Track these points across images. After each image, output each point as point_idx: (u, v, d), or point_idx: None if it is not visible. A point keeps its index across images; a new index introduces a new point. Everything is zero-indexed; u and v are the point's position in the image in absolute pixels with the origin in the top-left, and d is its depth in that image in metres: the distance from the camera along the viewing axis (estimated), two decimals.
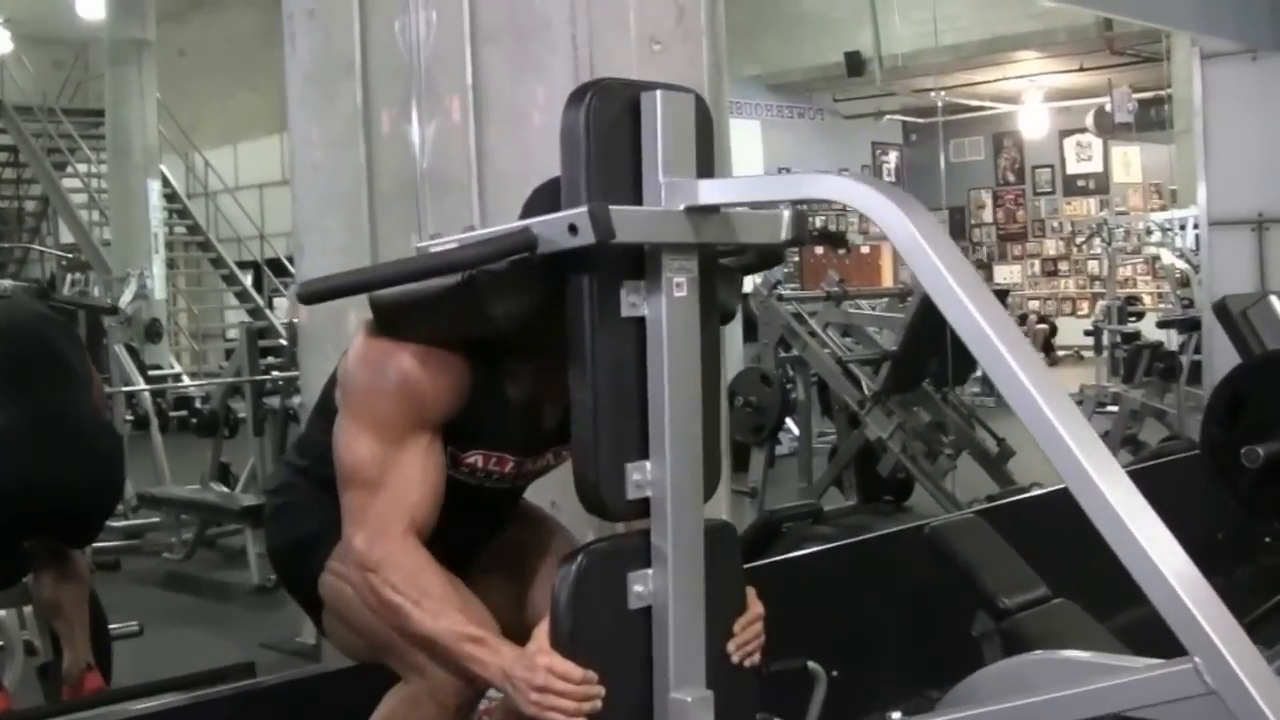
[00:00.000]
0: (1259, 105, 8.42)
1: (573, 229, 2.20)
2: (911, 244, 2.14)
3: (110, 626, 5.31)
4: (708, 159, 2.41)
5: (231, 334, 20.35)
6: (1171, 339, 12.09)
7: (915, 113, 22.67)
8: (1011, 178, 24.40)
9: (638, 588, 2.41)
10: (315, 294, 2.52)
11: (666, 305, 2.33)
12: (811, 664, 3.13)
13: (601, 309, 2.31)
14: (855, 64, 16.96)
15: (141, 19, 17.28)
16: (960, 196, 24.10)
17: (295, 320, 7.63)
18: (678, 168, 2.33)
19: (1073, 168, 23.77)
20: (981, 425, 9.85)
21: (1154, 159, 21.28)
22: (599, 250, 2.22)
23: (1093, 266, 22.96)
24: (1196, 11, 7.67)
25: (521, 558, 2.93)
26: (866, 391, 8.88)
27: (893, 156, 23.60)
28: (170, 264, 18.54)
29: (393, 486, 2.50)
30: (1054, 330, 21.78)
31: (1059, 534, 5.37)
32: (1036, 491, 7.41)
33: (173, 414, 11.27)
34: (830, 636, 4.44)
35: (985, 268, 24.32)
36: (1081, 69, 18.61)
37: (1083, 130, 21.03)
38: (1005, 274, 23.96)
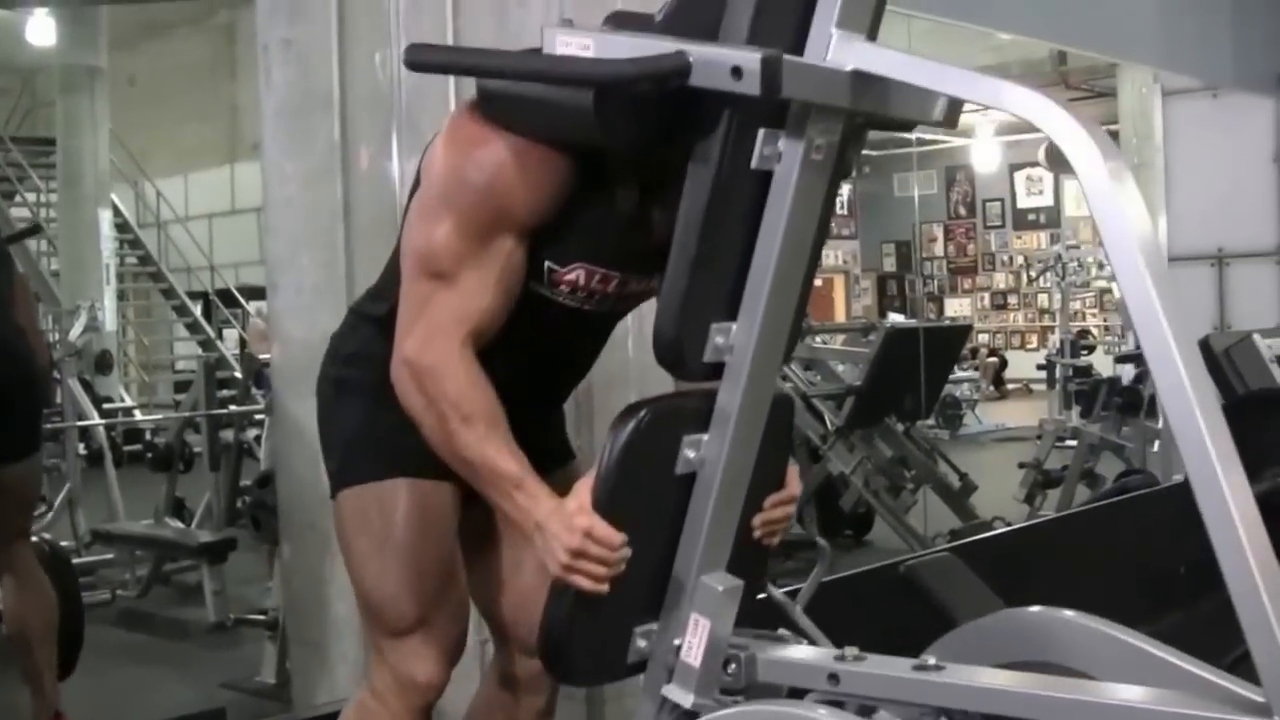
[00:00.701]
0: (1219, 142, 8.50)
1: (737, 72, 2.01)
2: (1099, 184, 1.91)
3: None
4: (878, 21, 2.22)
5: (181, 365, 20.21)
6: (1127, 373, 12.12)
7: (869, 145, 22.73)
8: (963, 211, 24.53)
9: (689, 452, 2.28)
10: (426, 63, 2.36)
11: (801, 166, 2.14)
12: (820, 540, 3.04)
13: (733, 155, 2.13)
14: None
15: (94, 46, 17.10)
16: (909, 230, 24.21)
17: (260, 354, 7.55)
18: (854, 22, 2.13)
19: (1023, 201, 23.91)
20: (943, 459, 9.86)
21: None
22: (750, 95, 2.03)
23: (1042, 300, 23.08)
24: (1159, 48, 7.70)
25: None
26: (829, 426, 8.85)
27: (845, 188, 23.66)
28: (120, 295, 18.32)
29: (464, 285, 2.31)
30: (1004, 364, 21.85)
31: (1027, 569, 5.40)
32: (1004, 528, 7.42)
33: (125, 448, 11.11)
34: None
35: (936, 301, 24.44)
36: None
37: (1034, 164, 21.16)
38: (955, 307, 24.07)
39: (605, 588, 2.22)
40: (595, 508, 2.21)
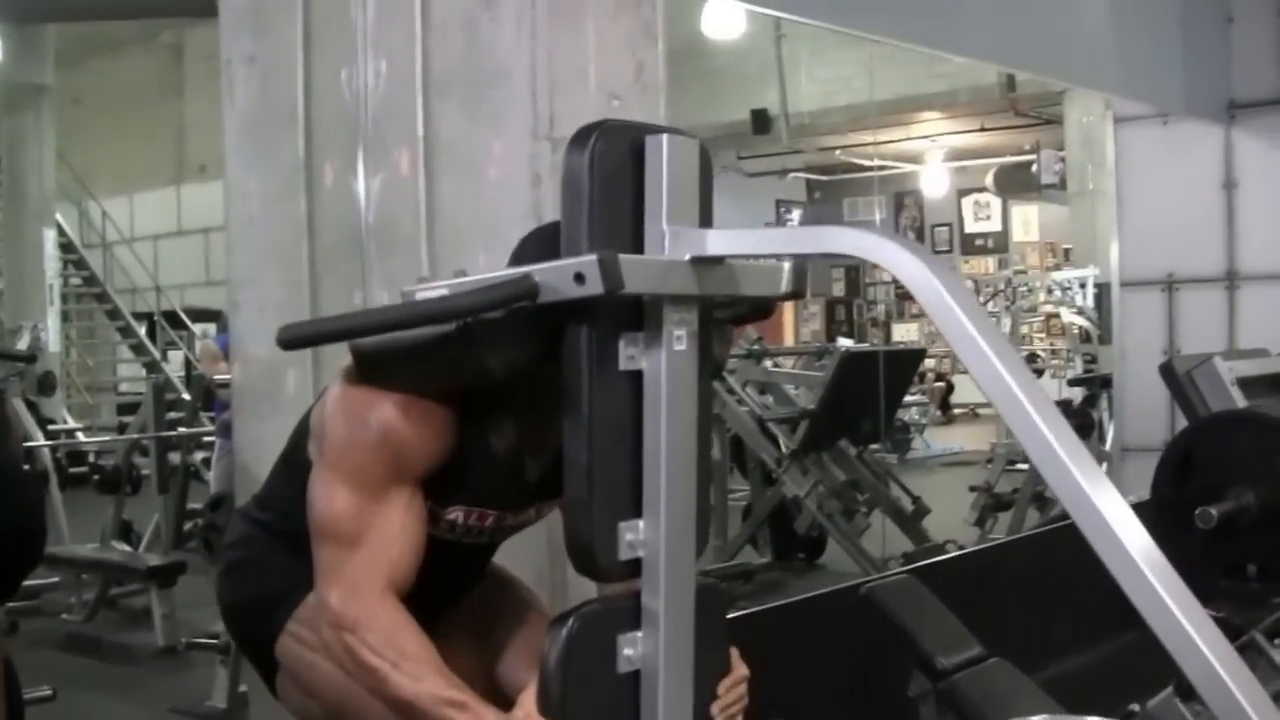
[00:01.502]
0: (1170, 169, 8.55)
1: (579, 278, 2.10)
2: (935, 298, 2.06)
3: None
4: (708, 207, 2.32)
5: (124, 387, 20.04)
6: (1077, 396, 12.20)
7: (819, 170, 22.86)
8: (912, 236, 24.63)
9: (627, 650, 2.32)
10: (296, 339, 2.42)
11: (666, 359, 2.24)
12: None
13: (600, 362, 2.21)
14: (762, 122, 17.02)
15: (40, 63, 16.93)
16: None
17: (211, 375, 7.48)
18: (682, 215, 2.25)
19: (971, 226, 24.05)
20: (896, 483, 9.89)
21: (1051, 218, 21.58)
22: (602, 301, 2.13)
23: None
24: (1110, 74, 7.75)
25: (488, 622, 2.83)
26: (784, 449, 8.87)
27: (796, 214, 23.76)
28: (64, 316, 18.13)
29: (371, 542, 2.37)
30: (951, 388, 21.92)
31: (984, 592, 5.40)
32: (959, 551, 7.44)
33: (70, 470, 11.01)
34: (764, 697, 4.38)
35: (882, 326, 24.54)
36: (983, 129, 18.85)
37: (981, 189, 21.30)
38: (903, 332, 24.16)
39: None
40: (542, 712, 2.27)
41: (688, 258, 2.22)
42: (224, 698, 6.16)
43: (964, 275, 23.78)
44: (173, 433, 8.76)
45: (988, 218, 23.74)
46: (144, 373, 19.03)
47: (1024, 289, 16.33)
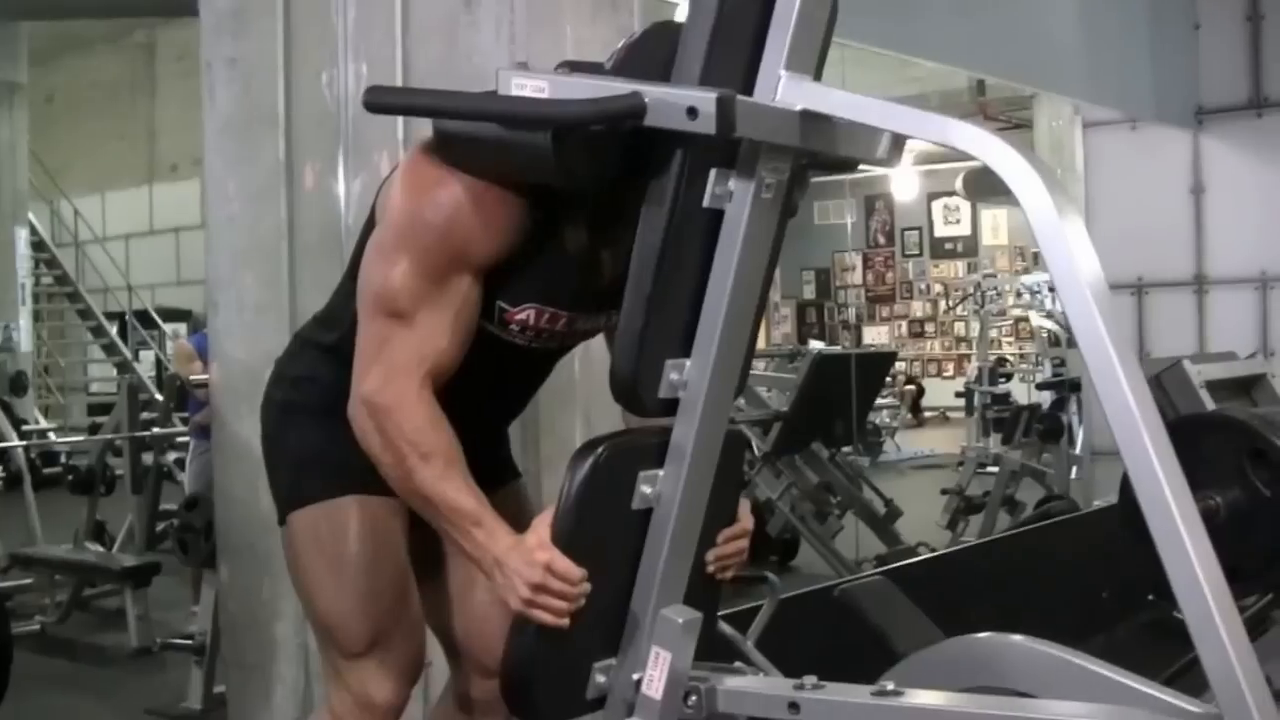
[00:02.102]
0: (1138, 174, 8.63)
1: (692, 112, 2.05)
2: (1047, 219, 1.98)
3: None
4: (823, 63, 2.28)
5: (95, 388, 19.97)
6: (1046, 400, 12.27)
7: None
8: (882, 239, 24.71)
9: (645, 488, 2.31)
10: (385, 104, 2.38)
11: (752, 204, 2.19)
12: (771, 576, 3.07)
13: (687, 194, 2.18)
14: None
15: (13, 60, 16.89)
16: (828, 258, 24.36)
17: (187, 375, 7.47)
18: (801, 63, 2.18)
19: (940, 230, 24.12)
20: (869, 485, 9.93)
21: (1020, 222, 21.62)
22: (704, 135, 2.08)
23: (959, 328, 23.29)
24: (1079, 79, 7.82)
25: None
26: (756, 451, 8.90)
27: None
28: (35, 315, 18.07)
29: (422, 326, 2.32)
30: (921, 391, 22.01)
31: (956, 594, 5.45)
32: (931, 553, 7.49)
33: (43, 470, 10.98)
34: None
35: (854, 328, 24.61)
36: None
37: (951, 193, 21.36)
38: (874, 335, 24.24)
39: (566, 622, 2.24)
40: (555, 542, 2.24)
41: (799, 109, 2.16)
42: (199, 699, 6.15)
43: (934, 278, 23.93)
44: (147, 433, 8.73)
45: (957, 221, 23.82)
46: (115, 373, 18.99)
47: (993, 293, 16.40)
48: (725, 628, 2.84)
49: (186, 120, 19.78)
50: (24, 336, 16.32)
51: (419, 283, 2.31)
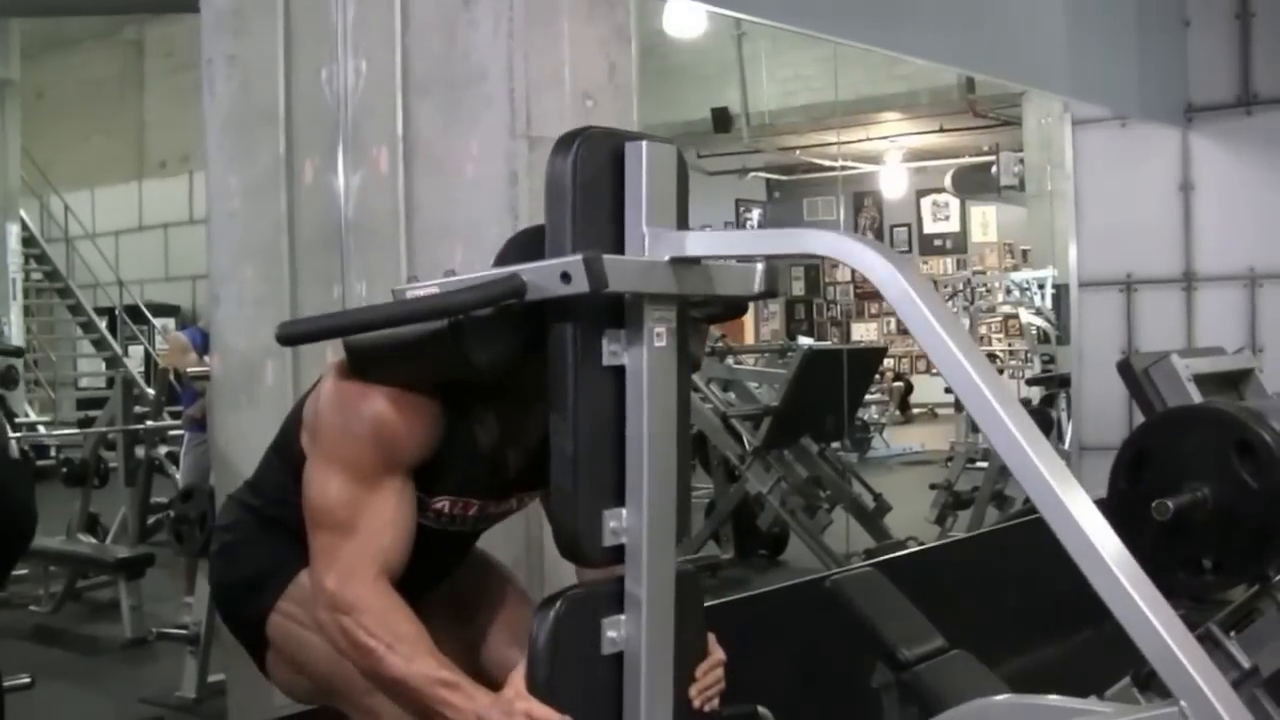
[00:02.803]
0: (1127, 171, 8.64)
1: (565, 277, 2.20)
2: (905, 299, 2.17)
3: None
4: (684, 210, 2.43)
5: (84, 382, 19.96)
6: (1035, 396, 12.32)
7: (779, 170, 22.93)
8: (871, 236, 24.72)
9: (611, 633, 2.41)
10: (295, 336, 2.53)
11: (647, 354, 2.33)
12: (761, 709, 3.14)
13: (584, 357, 2.31)
14: (722, 120, 17.11)
15: (5, 58, 16.90)
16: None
17: (183, 368, 7.50)
18: (660, 218, 2.35)
19: (929, 227, 24.17)
20: (858, 480, 9.97)
21: (1008, 219, 21.72)
22: (586, 299, 2.23)
23: None
24: (1068, 77, 7.85)
25: (471, 606, 2.93)
26: (747, 446, 8.94)
27: (755, 213, 23.85)
28: (25, 310, 18.07)
29: (365, 529, 2.47)
30: (910, 388, 22.03)
31: (945, 587, 5.50)
32: (921, 546, 7.53)
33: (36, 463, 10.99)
34: (732, 688, 4.46)
35: (840, 325, 24.65)
36: (942, 130, 18.97)
37: (940, 190, 21.41)
38: (862, 331, 24.28)
39: None
40: (531, 692, 2.35)
41: (667, 258, 2.32)
42: (193, 687, 6.20)
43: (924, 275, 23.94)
44: (140, 426, 8.77)
45: (946, 218, 23.87)
46: (104, 368, 19.00)
47: (982, 290, 16.44)
48: None
49: (175, 117, 19.91)
50: (14, 331, 16.32)
51: (354, 491, 2.48)
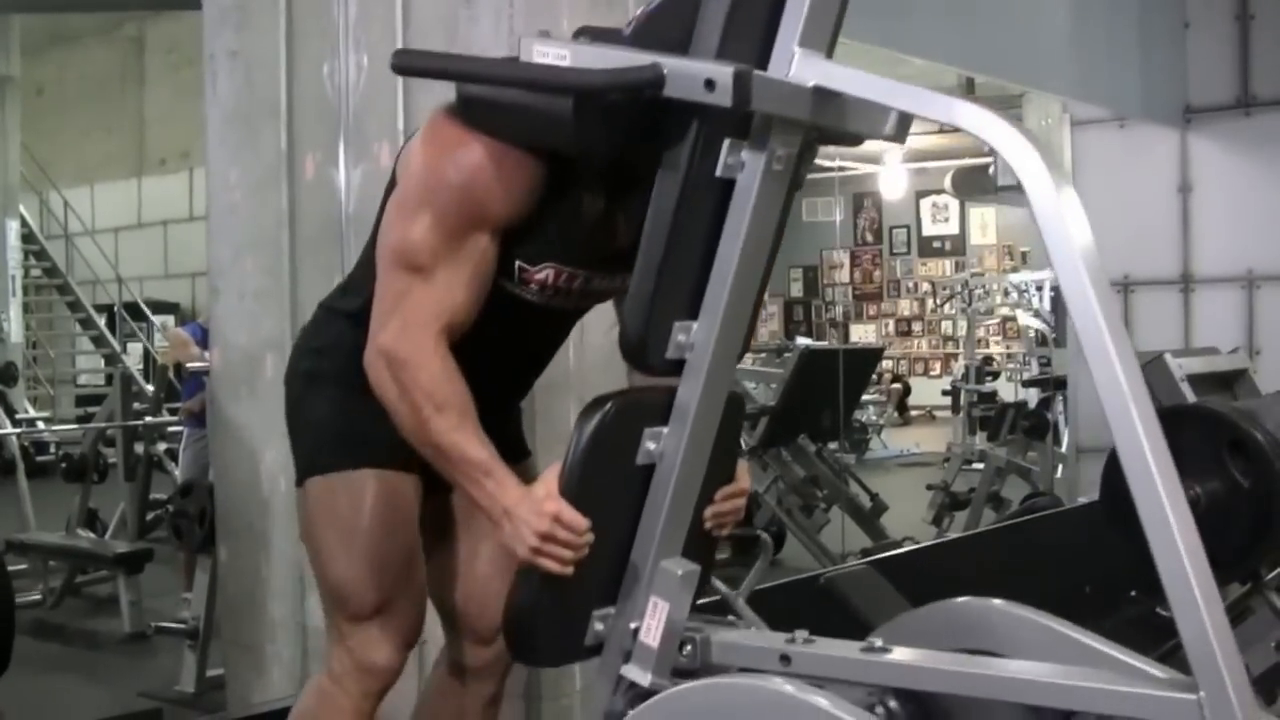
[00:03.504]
0: (1126, 172, 8.66)
1: (710, 84, 2.12)
2: (1045, 196, 2.04)
3: None
4: (835, 40, 2.34)
5: (83, 379, 19.98)
6: (1032, 398, 12.33)
7: None
8: (870, 238, 24.75)
9: (649, 444, 2.37)
10: (412, 67, 2.46)
11: (762, 176, 2.25)
12: (762, 533, 3.14)
13: (700, 164, 2.24)
14: None
15: (5, 53, 16.90)
16: (816, 256, 24.40)
17: (185, 362, 7.52)
18: (816, 40, 2.23)
19: (929, 229, 24.17)
20: (855, 480, 9.99)
21: (1008, 221, 21.74)
22: (719, 107, 2.14)
23: (946, 327, 23.35)
24: (1068, 77, 7.87)
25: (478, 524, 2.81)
26: (744, 445, 8.93)
27: None
28: (25, 307, 18.08)
29: (439, 281, 2.38)
30: (908, 390, 22.05)
31: (939, 585, 5.51)
32: (917, 545, 7.54)
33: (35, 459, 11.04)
34: None
35: (840, 326, 24.65)
36: (941, 130, 18.93)
37: (940, 192, 21.40)
38: (861, 333, 24.28)
39: (570, 570, 2.31)
40: (562, 494, 2.30)
41: (812, 85, 2.20)
42: (192, 682, 6.21)
43: (922, 276, 23.99)
44: (139, 422, 8.79)
45: (946, 220, 23.88)
46: (103, 365, 19.01)
47: (981, 291, 16.44)
48: (719, 584, 2.91)
49: (176, 114, 19.91)
50: (14, 328, 16.33)
51: (438, 239, 2.37)
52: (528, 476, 2.58)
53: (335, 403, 2.70)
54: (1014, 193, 17.40)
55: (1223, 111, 8.39)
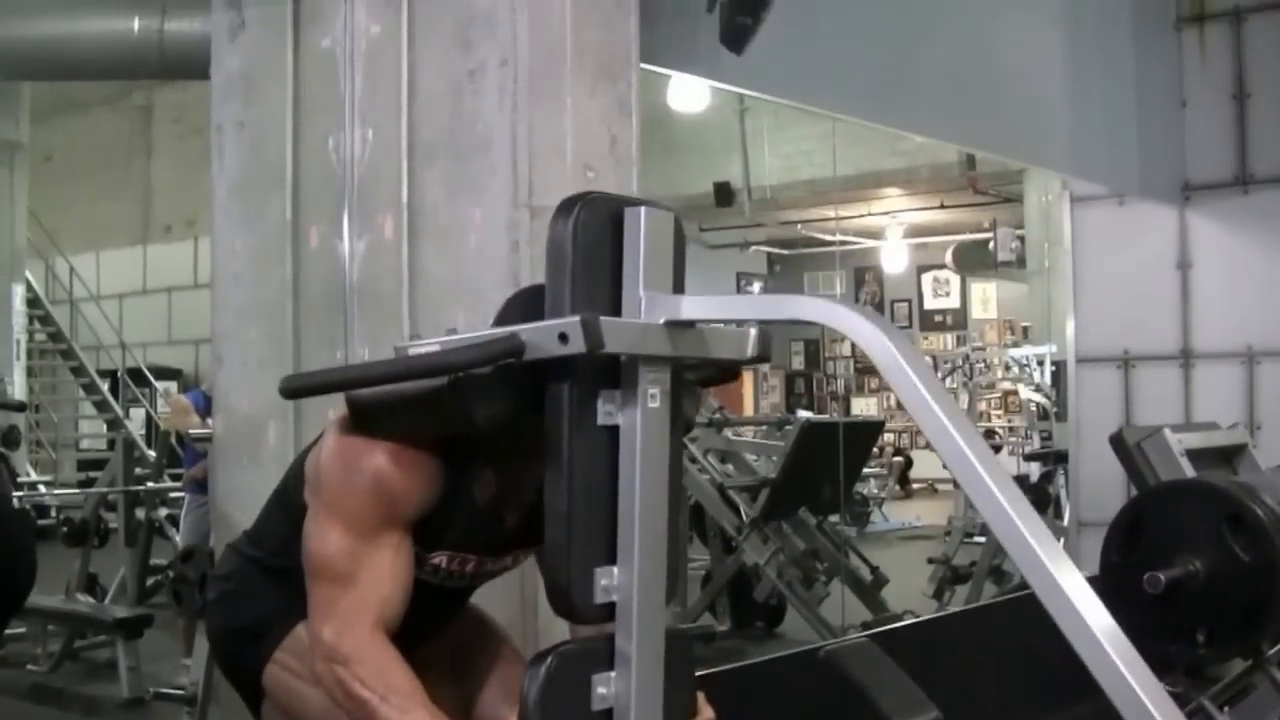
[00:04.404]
0: (1125, 248, 8.69)
1: (563, 338, 2.25)
2: (894, 366, 2.22)
3: None
4: (680, 275, 2.47)
5: (86, 444, 19.99)
6: (1033, 471, 12.33)
7: (780, 244, 23.01)
8: (872, 310, 24.73)
9: (601, 689, 2.42)
10: (299, 389, 2.61)
11: (641, 415, 2.37)
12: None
13: (580, 416, 2.35)
14: (724, 194, 17.16)
15: (15, 120, 17.00)
16: (817, 329, 24.42)
17: (186, 429, 7.55)
18: (657, 282, 2.40)
19: (930, 303, 24.23)
20: (856, 552, 9.98)
21: (1008, 295, 21.79)
22: (583, 360, 2.27)
23: None
24: (1067, 155, 7.93)
25: (465, 663, 2.97)
26: (744, 518, 8.95)
27: (756, 286, 23.93)
28: (29, 371, 18.11)
29: (364, 581, 2.52)
30: (909, 463, 22.03)
31: (940, 659, 5.51)
32: (918, 618, 7.53)
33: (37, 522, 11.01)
34: None
35: (842, 399, 24.65)
36: (943, 206, 19.05)
37: (941, 266, 21.47)
38: (862, 406, 24.29)
39: None
40: None
41: (662, 321, 2.37)
42: None
43: (923, 350, 24.00)
44: (141, 487, 8.81)
45: (947, 294, 23.95)
46: (105, 429, 19.02)
47: (982, 365, 16.46)
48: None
49: (182, 182, 20.04)
50: (18, 391, 16.35)
51: (354, 544, 2.53)
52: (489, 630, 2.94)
53: (252, 601, 2.86)
54: (1014, 268, 17.52)
55: (1221, 189, 8.43)
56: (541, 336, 2.29)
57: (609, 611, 2.43)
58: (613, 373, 2.38)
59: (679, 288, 2.46)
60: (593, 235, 2.37)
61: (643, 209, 2.40)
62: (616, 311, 2.38)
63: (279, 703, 2.80)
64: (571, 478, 2.36)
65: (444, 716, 2.49)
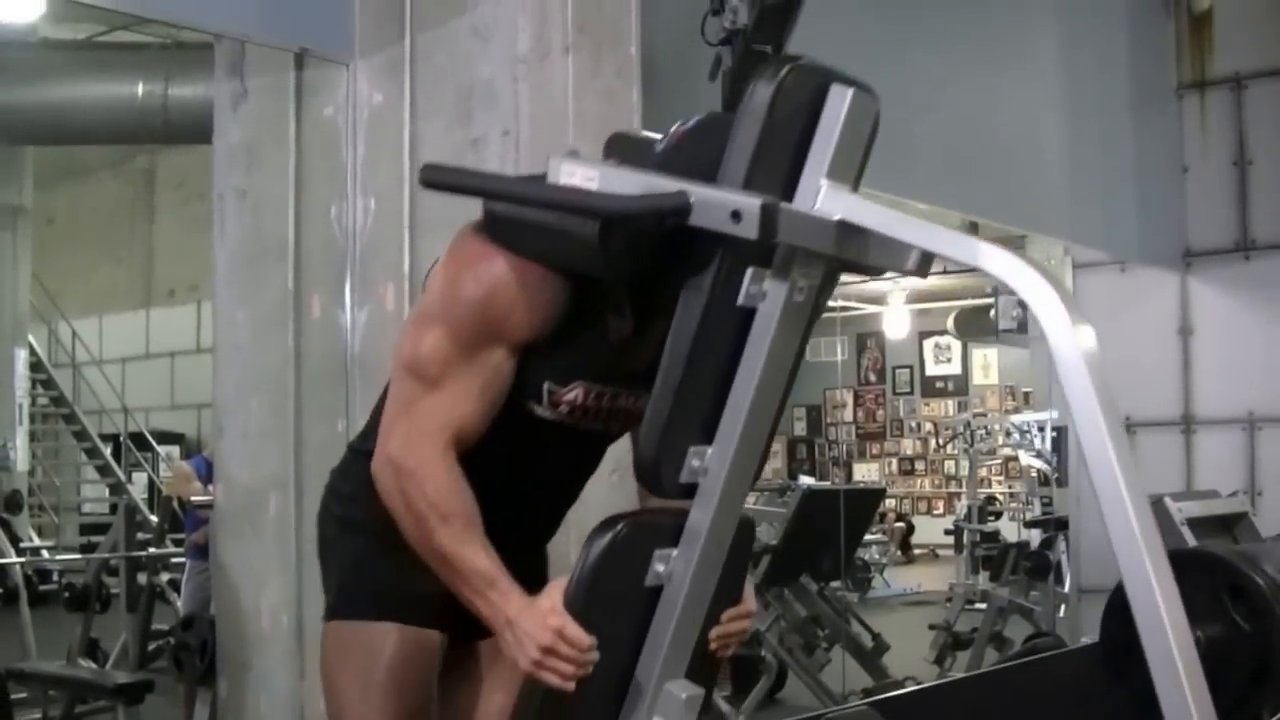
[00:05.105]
0: (1127, 314, 8.70)
1: (736, 216, 2.14)
2: (1062, 340, 2.05)
3: None
4: (862, 173, 2.35)
5: (88, 508, 19.96)
6: (1034, 538, 12.30)
7: None
8: (873, 377, 24.78)
9: (659, 566, 2.37)
10: (440, 181, 2.42)
11: (784, 306, 2.26)
12: (766, 654, 3.14)
13: (722, 292, 2.26)
14: None
15: (18, 185, 17.06)
16: (819, 395, 24.44)
17: (187, 496, 7.55)
18: (841, 172, 2.25)
19: (931, 369, 24.22)
20: (857, 619, 9.95)
21: (1010, 361, 21.78)
22: (744, 240, 2.16)
23: (949, 466, 23.32)
24: (1068, 222, 7.96)
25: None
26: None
27: None
28: (31, 435, 18.11)
29: (449, 392, 2.38)
30: (911, 529, 21.97)
31: None
32: (919, 685, 7.50)
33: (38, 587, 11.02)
34: None
35: (844, 465, 24.58)
36: (944, 272, 19.06)
37: (943, 332, 21.48)
38: (864, 471, 24.23)
39: (572, 686, 2.30)
40: (567, 609, 2.30)
41: (837, 218, 2.21)
42: None
43: (925, 416, 24.00)
44: (143, 553, 8.79)
45: (948, 360, 23.92)
46: (107, 493, 19.00)
47: (983, 432, 16.44)
48: (721, 703, 2.90)
49: (184, 246, 20.07)
50: (21, 455, 16.34)
51: (450, 351, 2.38)
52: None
53: (366, 552, 2.69)
54: (1015, 334, 17.52)
55: (1222, 255, 8.46)
56: (712, 205, 2.17)
57: (688, 491, 2.36)
58: (767, 252, 2.25)
59: (857, 185, 2.32)
60: (791, 107, 2.23)
61: (851, 90, 2.25)
62: (790, 188, 2.24)
63: (325, 660, 2.72)
64: (694, 351, 2.27)
65: (495, 556, 2.38)
